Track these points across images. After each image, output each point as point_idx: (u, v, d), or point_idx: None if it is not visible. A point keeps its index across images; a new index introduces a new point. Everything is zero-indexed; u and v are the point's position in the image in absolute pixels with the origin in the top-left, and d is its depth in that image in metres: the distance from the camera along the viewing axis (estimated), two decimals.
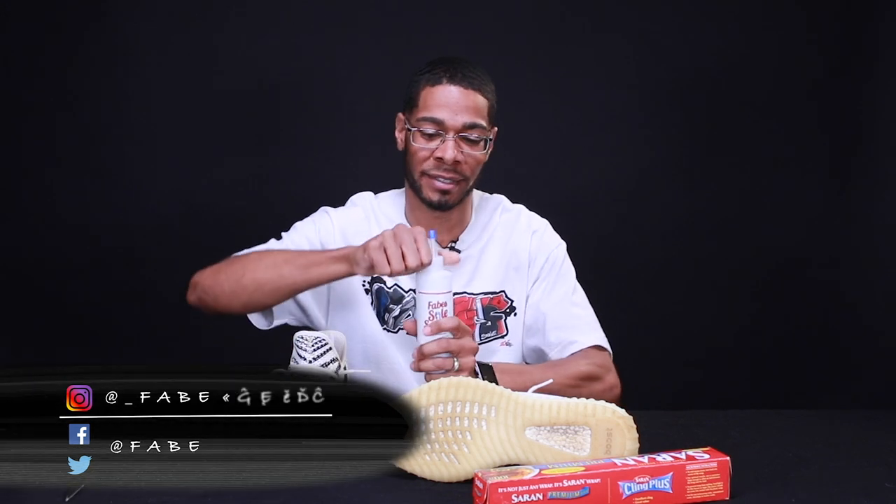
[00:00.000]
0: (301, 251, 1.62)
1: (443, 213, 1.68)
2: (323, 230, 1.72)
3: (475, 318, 1.72)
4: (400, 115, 1.69)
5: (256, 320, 1.68)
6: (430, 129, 1.61)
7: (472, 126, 1.61)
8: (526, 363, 1.77)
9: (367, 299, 1.71)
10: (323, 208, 1.78)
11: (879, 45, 2.59)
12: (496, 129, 1.68)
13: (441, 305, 1.41)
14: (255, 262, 1.60)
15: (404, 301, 1.70)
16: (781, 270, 2.66)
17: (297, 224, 1.75)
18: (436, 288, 1.42)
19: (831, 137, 2.63)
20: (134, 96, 2.51)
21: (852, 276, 2.63)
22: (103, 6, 2.48)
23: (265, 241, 1.75)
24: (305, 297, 1.69)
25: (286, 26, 2.52)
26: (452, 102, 1.60)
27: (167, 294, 2.49)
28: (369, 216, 1.75)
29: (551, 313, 1.71)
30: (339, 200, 1.79)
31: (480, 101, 1.62)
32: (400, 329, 1.69)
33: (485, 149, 1.64)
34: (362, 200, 1.79)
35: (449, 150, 1.60)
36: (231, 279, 1.60)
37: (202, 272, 1.66)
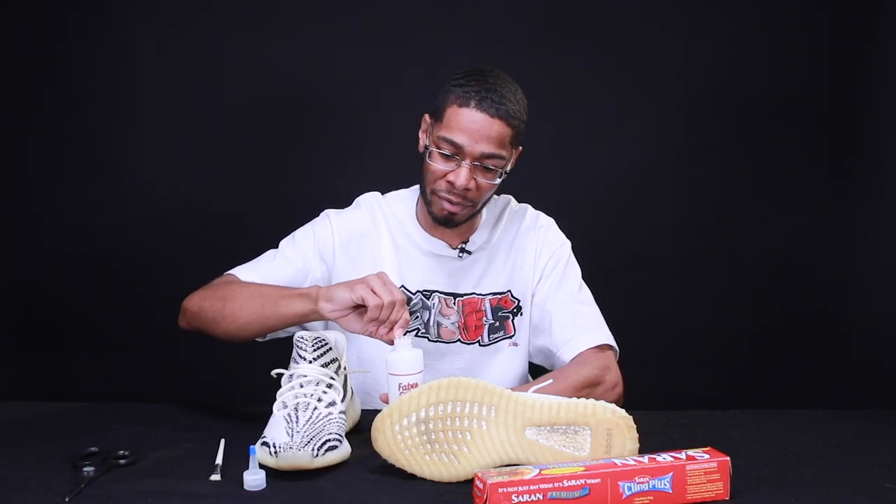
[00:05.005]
0: (277, 287, 1.58)
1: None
2: (321, 240, 1.70)
3: (484, 318, 1.72)
4: (427, 116, 1.67)
5: None
6: (447, 151, 1.59)
7: (491, 156, 1.59)
8: (531, 363, 1.77)
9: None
10: (325, 212, 1.75)
11: (881, 47, 2.58)
12: (520, 149, 1.67)
13: (411, 387, 1.40)
14: (236, 294, 1.57)
15: (412, 303, 1.69)
16: (782, 271, 2.66)
17: (297, 232, 1.73)
18: (406, 370, 1.42)
19: (831, 138, 2.62)
20: (135, 96, 2.50)
21: (853, 276, 2.63)
22: (105, 6, 2.48)
23: (265, 242, 1.74)
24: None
25: (289, 25, 2.51)
26: (475, 129, 1.57)
27: (167, 294, 2.49)
28: (376, 217, 1.73)
29: (557, 312, 1.70)
30: (343, 201, 1.78)
31: (504, 130, 1.59)
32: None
33: (500, 177, 1.63)
34: (367, 202, 1.76)
35: (462, 176, 1.59)
36: (214, 308, 1.58)
37: (190, 297, 1.64)
